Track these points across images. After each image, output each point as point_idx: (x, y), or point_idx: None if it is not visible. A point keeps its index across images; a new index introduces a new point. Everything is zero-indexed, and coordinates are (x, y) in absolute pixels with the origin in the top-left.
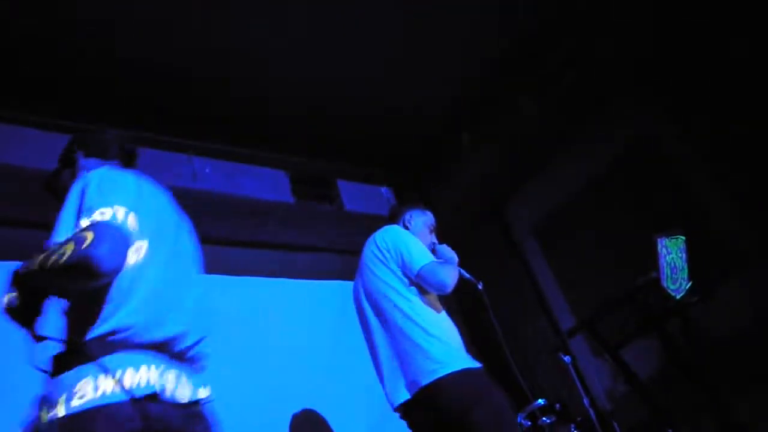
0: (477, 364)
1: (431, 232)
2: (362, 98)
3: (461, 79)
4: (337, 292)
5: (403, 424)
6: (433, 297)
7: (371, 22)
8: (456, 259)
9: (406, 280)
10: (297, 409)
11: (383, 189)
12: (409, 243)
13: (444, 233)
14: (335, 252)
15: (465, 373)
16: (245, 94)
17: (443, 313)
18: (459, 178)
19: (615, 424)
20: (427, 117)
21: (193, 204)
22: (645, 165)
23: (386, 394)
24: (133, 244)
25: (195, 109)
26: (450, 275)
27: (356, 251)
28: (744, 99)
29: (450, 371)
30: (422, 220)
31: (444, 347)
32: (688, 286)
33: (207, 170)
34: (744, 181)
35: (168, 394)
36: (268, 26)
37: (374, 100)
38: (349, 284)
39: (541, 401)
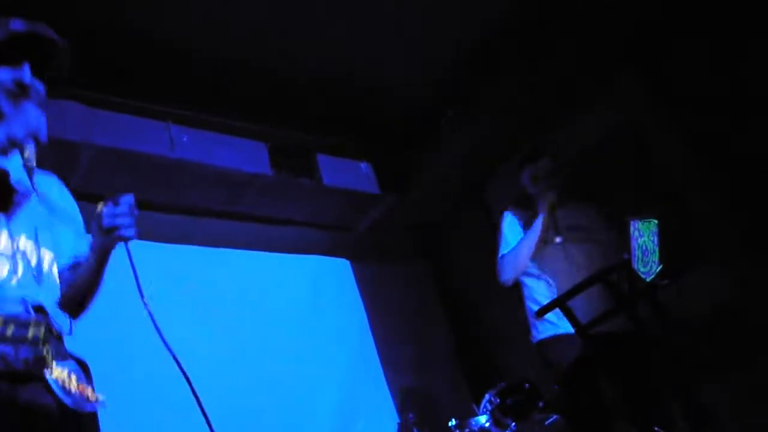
0: (556, 332)
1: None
2: (345, 73)
3: (446, 59)
4: (313, 266)
5: (369, 395)
6: (551, 268)
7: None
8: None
9: None
10: (269, 384)
11: (363, 164)
12: (502, 230)
13: (424, 211)
14: (313, 226)
15: (541, 343)
16: (226, 63)
17: (561, 279)
18: (441, 157)
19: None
20: (411, 95)
21: (170, 173)
22: (625, 150)
23: None
24: None
25: (175, 77)
26: (506, 268)
27: (334, 226)
28: (728, 90)
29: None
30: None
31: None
32: (658, 269)
33: (185, 139)
34: (721, 169)
35: None
36: None
37: (357, 76)
38: (326, 259)
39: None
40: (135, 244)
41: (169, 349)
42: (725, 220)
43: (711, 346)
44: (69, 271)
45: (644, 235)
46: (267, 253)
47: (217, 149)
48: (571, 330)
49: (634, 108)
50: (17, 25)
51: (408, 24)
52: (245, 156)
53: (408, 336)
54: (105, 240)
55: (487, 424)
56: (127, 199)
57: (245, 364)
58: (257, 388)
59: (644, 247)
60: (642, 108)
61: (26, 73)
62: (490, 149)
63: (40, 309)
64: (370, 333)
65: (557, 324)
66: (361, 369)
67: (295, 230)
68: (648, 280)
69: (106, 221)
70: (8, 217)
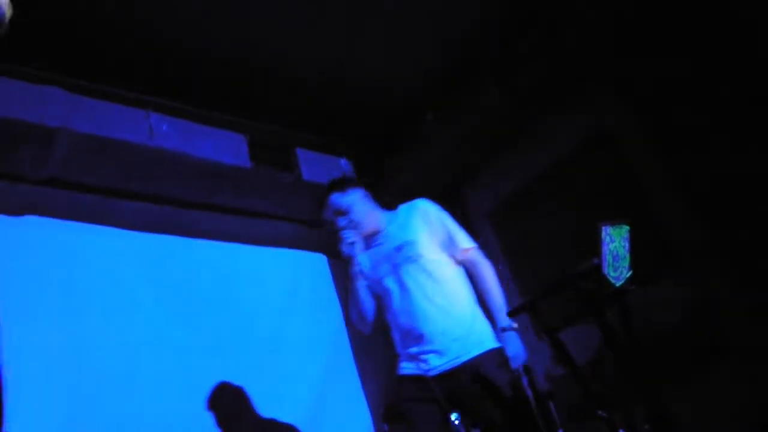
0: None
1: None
2: (328, 69)
3: (427, 60)
4: (290, 260)
5: (342, 388)
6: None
7: None
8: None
9: None
10: (241, 376)
11: (342, 160)
12: None
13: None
14: (291, 220)
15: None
16: (208, 55)
17: (398, 313)
18: (419, 158)
19: (551, 404)
20: (392, 94)
21: (148, 161)
22: (599, 157)
23: None
24: None
25: (156, 65)
26: (349, 311)
27: (312, 221)
28: (701, 97)
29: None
30: None
31: None
32: (628, 275)
33: (164, 128)
34: (693, 178)
35: None
36: None
37: (340, 73)
38: (303, 254)
39: None
40: (109, 233)
41: None
42: (694, 228)
43: (675, 353)
44: None
45: (615, 240)
46: (244, 246)
47: (196, 139)
48: (411, 372)
49: (607, 116)
50: None
51: (392, 28)
52: (224, 147)
53: (382, 332)
54: None
55: (457, 422)
56: None
57: (218, 356)
58: (229, 379)
59: (615, 253)
60: (614, 116)
61: None
62: (468, 153)
63: None
64: (344, 328)
65: (403, 366)
66: (334, 362)
67: (273, 223)
68: (617, 285)
69: None
70: None
